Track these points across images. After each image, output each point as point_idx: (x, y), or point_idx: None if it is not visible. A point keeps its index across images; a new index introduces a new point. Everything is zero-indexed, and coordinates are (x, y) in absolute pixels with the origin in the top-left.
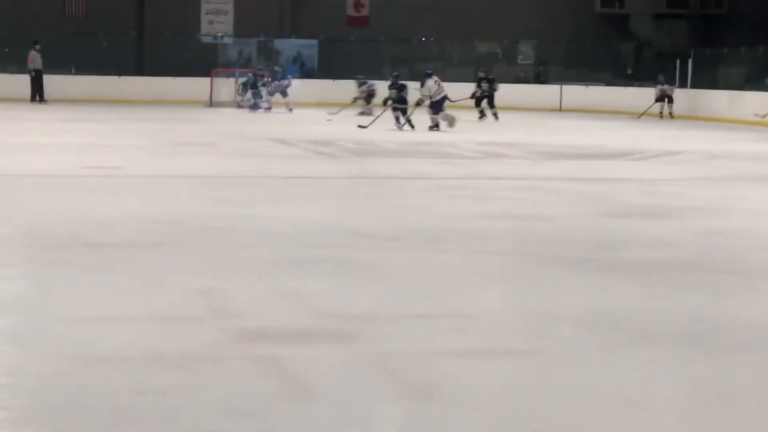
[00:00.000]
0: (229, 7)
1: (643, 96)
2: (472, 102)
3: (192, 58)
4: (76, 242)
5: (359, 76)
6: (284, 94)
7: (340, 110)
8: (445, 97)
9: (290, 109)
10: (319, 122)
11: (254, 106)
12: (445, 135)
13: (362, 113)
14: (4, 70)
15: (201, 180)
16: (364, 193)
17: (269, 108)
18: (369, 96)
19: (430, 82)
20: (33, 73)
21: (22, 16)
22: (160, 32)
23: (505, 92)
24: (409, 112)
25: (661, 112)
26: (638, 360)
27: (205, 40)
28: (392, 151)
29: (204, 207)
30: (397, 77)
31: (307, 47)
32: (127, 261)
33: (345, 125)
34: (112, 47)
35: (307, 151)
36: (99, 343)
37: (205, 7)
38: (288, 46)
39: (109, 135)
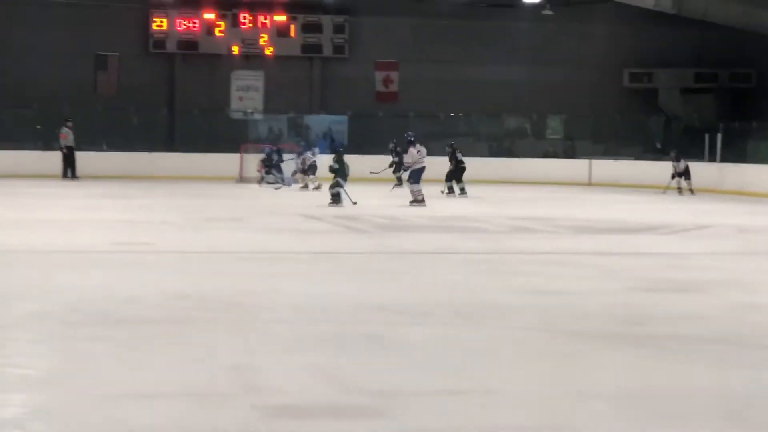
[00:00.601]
0: (260, 84)
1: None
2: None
3: (222, 134)
4: (107, 318)
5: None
6: (308, 170)
7: (384, 169)
8: (423, 168)
9: (316, 187)
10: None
11: (276, 184)
12: (473, 209)
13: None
14: (35, 147)
15: (231, 256)
16: (393, 269)
17: (290, 185)
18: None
19: (413, 150)
20: (65, 150)
21: (54, 93)
22: (190, 109)
23: (533, 167)
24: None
25: (679, 188)
26: None
27: (235, 116)
28: (421, 226)
29: (234, 283)
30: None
31: (337, 122)
32: (159, 337)
33: (374, 200)
34: (142, 124)
35: (336, 226)
36: (131, 420)
37: (235, 83)
38: (318, 122)
39: (140, 211)
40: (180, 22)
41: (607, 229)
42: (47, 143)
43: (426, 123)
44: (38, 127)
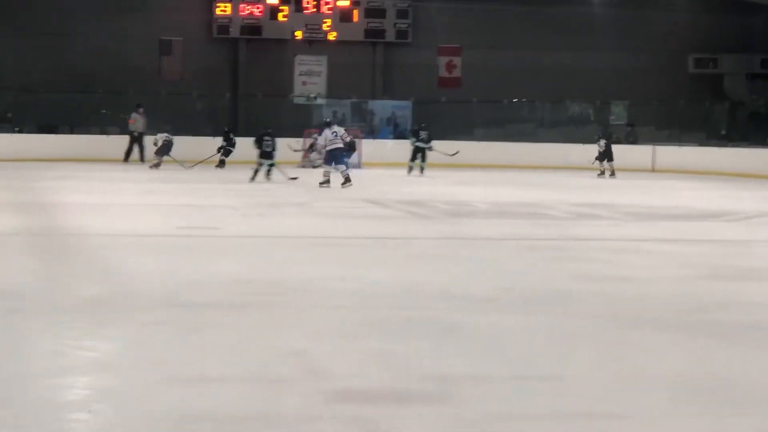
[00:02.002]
0: (322, 69)
1: (738, 156)
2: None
3: (285, 119)
4: (171, 303)
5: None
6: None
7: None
8: (338, 149)
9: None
10: (412, 183)
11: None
12: (536, 195)
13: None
14: (102, 132)
15: (295, 241)
16: (457, 255)
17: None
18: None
19: (327, 132)
20: (135, 134)
21: (119, 79)
22: (254, 94)
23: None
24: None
25: (602, 171)
26: (733, 426)
27: (298, 101)
28: (485, 211)
29: (298, 268)
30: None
31: (401, 108)
32: (221, 321)
33: (438, 186)
34: (206, 109)
35: (400, 212)
36: (194, 403)
37: (298, 68)
38: (381, 107)
39: (204, 196)
40: (244, 7)
41: (671, 216)
42: (111, 128)
43: (489, 109)
44: (103, 111)
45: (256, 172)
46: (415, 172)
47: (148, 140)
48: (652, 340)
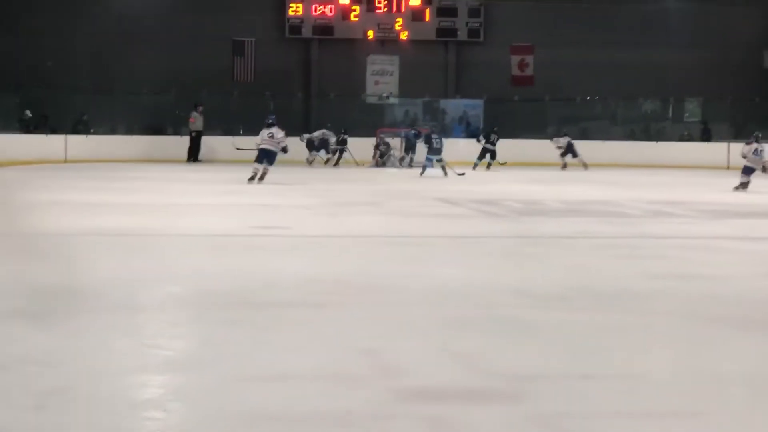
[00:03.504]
0: (395, 68)
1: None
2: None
3: (358, 119)
4: (244, 302)
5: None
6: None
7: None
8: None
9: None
10: (484, 181)
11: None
12: (609, 193)
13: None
14: (176, 132)
15: (366, 240)
16: (530, 253)
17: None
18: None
19: (264, 132)
20: (193, 134)
21: (192, 79)
22: (326, 93)
23: (670, 150)
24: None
25: (564, 165)
26: None
27: (371, 100)
28: (558, 210)
29: (369, 266)
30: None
31: (473, 107)
32: (294, 320)
33: (510, 185)
34: (279, 109)
35: (472, 211)
36: (268, 401)
37: (370, 68)
38: (453, 106)
39: (276, 195)
40: (316, 7)
41: (747, 213)
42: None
43: (562, 107)
44: (177, 112)
45: (424, 168)
46: (481, 169)
47: (206, 140)
48: (728, 338)
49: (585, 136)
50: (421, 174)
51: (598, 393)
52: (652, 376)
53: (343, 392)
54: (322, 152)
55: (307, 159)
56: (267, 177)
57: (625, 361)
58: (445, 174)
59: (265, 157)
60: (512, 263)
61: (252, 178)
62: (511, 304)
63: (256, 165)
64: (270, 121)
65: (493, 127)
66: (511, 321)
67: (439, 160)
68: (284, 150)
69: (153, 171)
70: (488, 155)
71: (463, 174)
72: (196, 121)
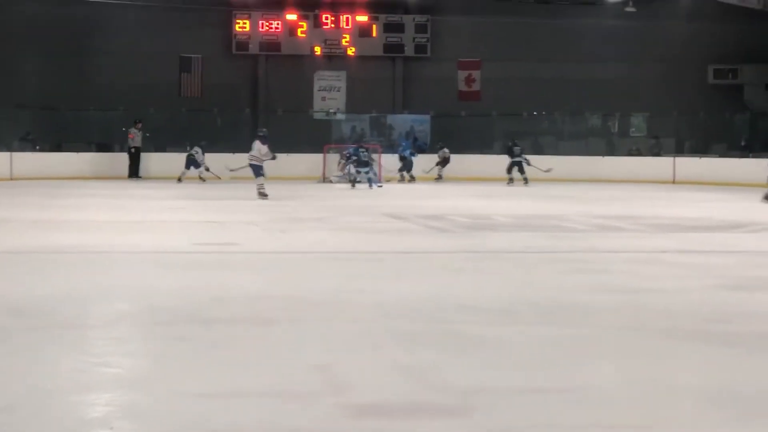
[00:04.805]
0: (342, 84)
1: (759, 166)
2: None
3: (305, 135)
4: (192, 318)
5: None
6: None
7: (241, 167)
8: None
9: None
10: (431, 197)
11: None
12: (557, 208)
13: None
14: (123, 149)
15: (314, 255)
16: (478, 267)
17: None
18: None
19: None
20: (132, 150)
21: (140, 95)
22: (274, 109)
23: (618, 165)
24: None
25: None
26: None
27: (318, 116)
28: (505, 224)
29: (318, 282)
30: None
31: (420, 122)
32: (242, 337)
33: (458, 200)
34: (226, 125)
35: (419, 226)
36: (217, 419)
37: (318, 84)
38: (400, 121)
39: (223, 211)
40: (263, 24)
41: (693, 227)
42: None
43: (509, 122)
44: (124, 129)
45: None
46: (518, 183)
47: (145, 156)
48: (675, 350)
49: (539, 150)
50: (352, 186)
51: (548, 407)
52: (601, 389)
53: (293, 409)
54: (192, 169)
55: (179, 177)
56: (263, 189)
57: (574, 374)
58: (370, 186)
59: (254, 171)
60: (460, 278)
61: (260, 194)
62: (460, 318)
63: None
64: (261, 133)
65: (514, 139)
66: (460, 335)
67: (366, 173)
68: (272, 158)
69: (100, 188)
70: (516, 169)
71: (380, 186)
72: (135, 137)
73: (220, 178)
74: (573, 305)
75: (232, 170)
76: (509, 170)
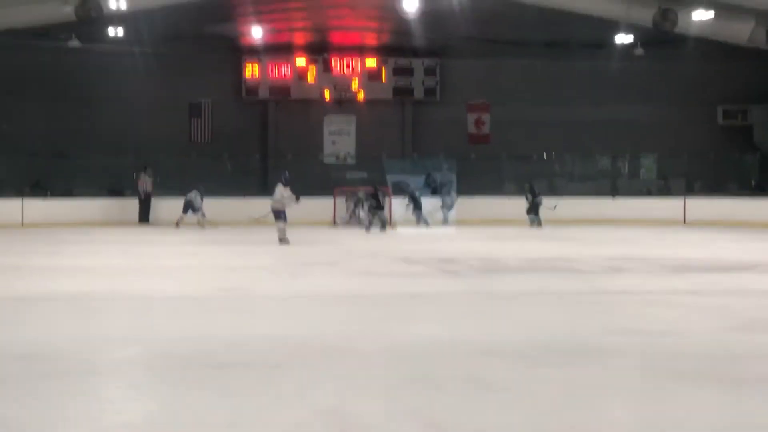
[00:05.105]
0: (351, 128)
1: None
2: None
3: (316, 179)
4: (203, 363)
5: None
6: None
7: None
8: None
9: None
10: (443, 240)
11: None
12: (567, 249)
13: None
14: (134, 195)
15: (326, 300)
16: (490, 311)
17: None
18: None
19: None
20: (143, 196)
21: (150, 141)
22: (284, 154)
23: (628, 206)
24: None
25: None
26: None
27: (328, 161)
28: (517, 267)
29: (330, 326)
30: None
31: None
32: (256, 381)
33: (469, 243)
34: (236, 170)
35: (432, 269)
36: None
37: (328, 128)
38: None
39: (234, 257)
40: (272, 68)
41: (704, 268)
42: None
43: (519, 164)
44: (134, 174)
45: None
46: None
47: (155, 201)
48: (688, 393)
49: (550, 192)
50: (367, 231)
51: None
52: (613, 431)
53: None
54: (190, 213)
55: (177, 222)
56: (284, 235)
57: (586, 417)
58: (384, 229)
59: (275, 216)
60: (473, 321)
61: (281, 240)
62: (473, 362)
63: (278, 225)
64: (283, 178)
65: (531, 180)
66: (472, 379)
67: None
68: (296, 201)
69: (111, 234)
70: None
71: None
72: (145, 183)
73: (216, 226)
74: (585, 348)
75: (256, 218)
76: (532, 211)
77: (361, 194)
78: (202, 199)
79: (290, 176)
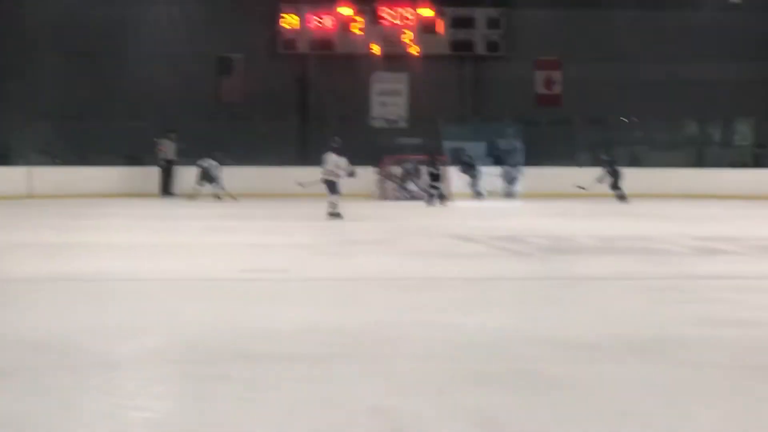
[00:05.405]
0: (403, 87)
1: None
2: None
3: (362, 145)
4: (235, 355)
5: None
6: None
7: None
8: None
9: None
10: (507, 216)
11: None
12: (651, 228)
13: None
14: (154, 163)
15: (373, 283)
16: (558, 297)
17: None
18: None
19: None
20: (164, 164)
21: (172, 102)
22: (325, 117)
23: (719, 178)
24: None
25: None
26: None
27: (377, 124)
28: (592, 247)
29: (377, 314)
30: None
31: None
32: (291, 376)
33: (536, 219)
34: (272, 134)
35: (494, 249)
36: None
37: (375, 87)
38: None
39: (270, 234)
40: (313, 19)
41: None
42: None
43: (594, 130)
44: (155, 140)
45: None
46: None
47: (180, 171)
48: None
49: (630, 162)
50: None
51: None
52: None
53: None
54: (207, 185)
55: (191, 195)
56: (337, 210)
57: (667, 419)
58: (443, 203)
59: (328, 188)
60: (538, 309)
61: (331, 214)
62: (538, 356)
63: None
64: (335, 145)
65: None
66: (537, 376)
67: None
68: (351, 174)
69: (129, 207)
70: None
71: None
72: (168, 149)
73: (236, 199)
74: (670, 340)
75: (301, 184)
76: (615, 185)
77: (408, 165)
78: (220, 169)
79: (341, 143)
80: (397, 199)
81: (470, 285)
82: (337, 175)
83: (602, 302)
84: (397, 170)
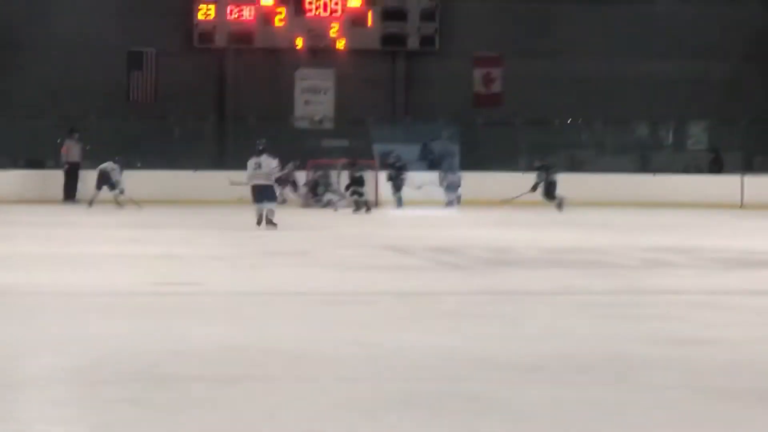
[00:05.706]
0: (330, 85)
1: None
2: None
3: (285, 148)
4: (145, 376)
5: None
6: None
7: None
8: (262, 186)
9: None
10: (442, 225)
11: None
12: (597, 238)
13: None
14: (57, 166)
15: (295, 298)
16: (499, 313)
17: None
18: None
19: (250, 162)
20: (66, 167)
21: (78, 100)
22: (245, 116)
23: (672, 185)
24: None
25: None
26: None
27: (300, 125)
28: (534, 259)
29: (300, 331)
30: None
31: (432, 132)
32: (210, 399)
33: (475, 229)
34: (186, 136)
35: (427, 261)
36: None
37: (299, 84)
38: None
39: (184, 244)
40: (231, 10)
41: (764, 262)
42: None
43: (537, 132)
44: (58, 141)
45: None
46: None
47: (84, 174)
48: (742, 415)
49: (576, 167)
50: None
51: None
52: None
53: None
54: (105, 189)
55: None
56: (275, 218)
57: None
58: (357, 209)
59: (261, 195)
60: (476, 326)
61: (258, 222)
62: (478, 377)
63: (257, 206)
64: (260, 147)
65: (543, 156)
66: (475, 399)
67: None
68: (288, 179)
69: (30, 214)
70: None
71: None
72: (71, 150)
73: (139, 206)
74: (617, 360)
75: (235, 183)
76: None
77: (318, 172)
78: (121, 173)
79: (267, 144)
80: (310, 206)
81: (401, 300)
82: (271, 179)
83: (545, 319)
84: (309, 176)
